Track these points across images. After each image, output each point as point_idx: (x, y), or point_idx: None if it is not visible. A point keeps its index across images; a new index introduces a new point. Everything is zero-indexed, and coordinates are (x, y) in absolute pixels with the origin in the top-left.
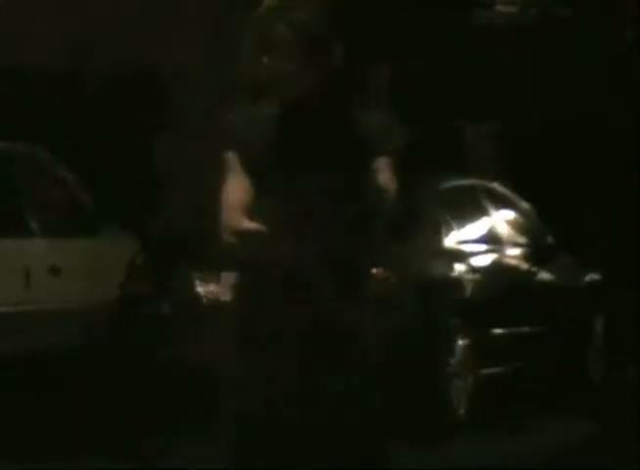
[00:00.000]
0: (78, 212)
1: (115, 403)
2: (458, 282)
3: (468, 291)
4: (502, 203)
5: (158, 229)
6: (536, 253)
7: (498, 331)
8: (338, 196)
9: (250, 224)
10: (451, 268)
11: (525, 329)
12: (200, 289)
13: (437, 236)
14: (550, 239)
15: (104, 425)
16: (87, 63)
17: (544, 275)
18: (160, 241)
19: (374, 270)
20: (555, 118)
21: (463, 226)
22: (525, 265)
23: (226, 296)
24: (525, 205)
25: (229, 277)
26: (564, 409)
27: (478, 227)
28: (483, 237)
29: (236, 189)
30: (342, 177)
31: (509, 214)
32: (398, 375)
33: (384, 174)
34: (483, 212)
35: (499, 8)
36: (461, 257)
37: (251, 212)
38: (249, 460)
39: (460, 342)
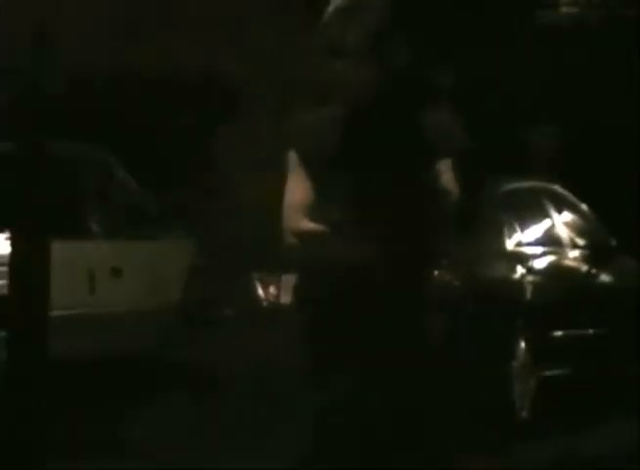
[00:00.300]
0: (140, 215)
1: (177, 406)
2: (519, 284)
3: (529, 293)
4: (564, 205)
5: (219, 231)
6: (597, 254)
7: (559, 333)
8: (400, 198)
9: (311, 225)
10: (513, 270)
11: (587, 331)
12: (260, 291)
13: (499, 238)
14: (612, 240)
15: (162, 426)
16: (150, 65)
17: (605, 277)
18: (222, 243)
19: (436, 272)
20: (618, 119)
21: (525, 228)
22: (586, 267)
23: (286, 298)
24: (586, 206)
25: (290, 279)
26: (625, 411)
27: (539, 229)
28: (545, 239)
29: (298, 190)
30: (405, 179)
31: (570, 216)
32: (460, 377)
33: (446, 176)
34: (545, 215)
35: (563, 9)
36: (522, 259)
37: (313, 213)
38: (322, 459)
39: (521, 344)
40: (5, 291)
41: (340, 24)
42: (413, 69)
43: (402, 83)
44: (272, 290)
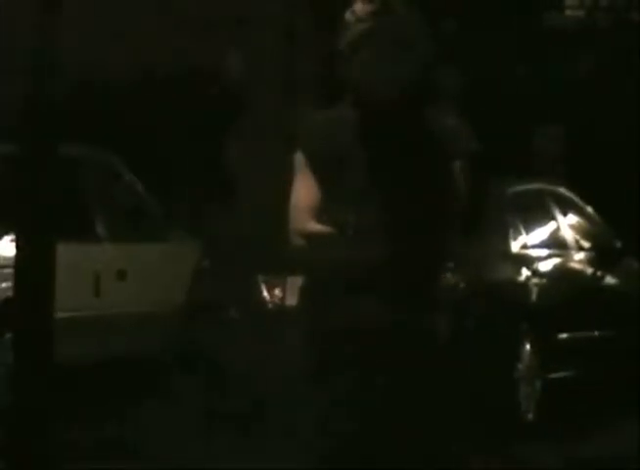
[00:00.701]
0: (146, 217)
1: (180, 407)
2: (525, 286)
3: (534, 295)
4: (569, 207)
5: (224, 233)
6: (603, 257)
7: (565, 335)
8: (408, 199)
9: (318, 227)
10: (518, 272)
11: (592, 333)
12: (265, 293)
13: (505, 240)
14: (617, 243)
15: (165, 427)
16: (153, 66)
17: (611, 279)
18: (227, 245)
19: (443, 275)
20: (624, 122)
21: (530, 231)
22: (591, 270)
23: (292, 300)
24: (591, 209)
25: (295, 281)
26: (631, 414)
27: (545, 231)
28: (550, 241)
29: (304, 191)
30: (412, 181)
31: (576, 219)
32: (465, 378)
33: (454, 178)
34: (550, 217)
35: (569, 12)
36: (528, 261)
37: (320, 215)
38: (324, 459)
39: (526, 346)
40: (11, 293)
41: (364, 27)
42: (425, 71)
43: (412, 85)
44: (277, 292)
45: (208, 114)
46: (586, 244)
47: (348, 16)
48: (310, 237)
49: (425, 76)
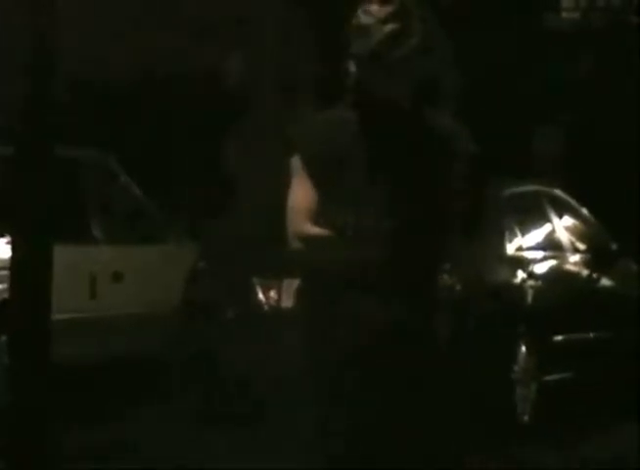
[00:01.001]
0: (143, 219)
1: (178, 408)
2: (521, 288)
3: (530, 297)
4: (565, 209)
5: (223, 233)
6: (599, 258)
7: (561, 337)
8: (409, 200)
9: (316, 230)
10: (514, 275)
11: (589, 335)
12: (261, 295)
13: (501, 242)
14: (613, 244)
15: (163, 428)
16: (153, 66)
17: (607, 281)
18: (225, 245)
19: (440, 276)
20: (621, 123)
21: (526, 233)
22: (587, 271)
23: (288, 302)
24: (586, 211)
25: (291, 283)
26: (627, 416)
27: (541, 234)
28: (547, 243)
29: (302, 193)
30: (412, 181)
31: (571, 221)
32: (462, 380)
33: (454, 178)
34: (546, 219)
35: (567, 13)
36: (524, 263)
37: (317, 217)
38: (323, 459)
39: (522, 348)
40: (7, 295)
41: (370, 31)
42: (429, 74)
43: (416, 86)
44: (273, 294)
45: (208, 114)
46: (582, 246)
47: (364, 17)
48: (308, 239)
49: (425, 78)
